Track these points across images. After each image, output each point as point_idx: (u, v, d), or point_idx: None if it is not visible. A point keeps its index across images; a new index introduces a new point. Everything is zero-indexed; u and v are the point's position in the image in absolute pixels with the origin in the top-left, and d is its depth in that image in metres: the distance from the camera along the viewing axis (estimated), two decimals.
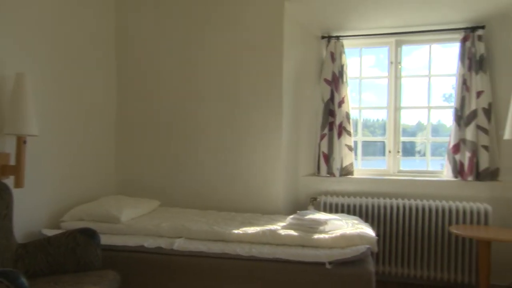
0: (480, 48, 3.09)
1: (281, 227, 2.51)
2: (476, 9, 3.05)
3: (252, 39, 3.20)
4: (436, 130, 3.63)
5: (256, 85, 3.21)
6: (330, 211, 3.19)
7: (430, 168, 3.47)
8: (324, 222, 2.43)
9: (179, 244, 2.33)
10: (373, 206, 3.16)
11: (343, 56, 3.38)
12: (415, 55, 3.54)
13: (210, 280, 2.21)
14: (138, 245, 2.35)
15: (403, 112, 3.51)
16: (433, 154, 3.56)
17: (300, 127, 3.53)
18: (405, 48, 3.49)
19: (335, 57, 3.37)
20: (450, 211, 3.02)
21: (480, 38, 3.10)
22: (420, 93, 3.51)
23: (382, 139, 3.61)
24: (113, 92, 3.45)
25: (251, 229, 2.46)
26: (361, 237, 2.28)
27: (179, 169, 3.37)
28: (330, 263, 2.13)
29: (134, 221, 2.65)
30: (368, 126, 3.83)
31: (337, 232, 2.34)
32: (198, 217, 2.82)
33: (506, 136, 2.79)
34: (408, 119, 3.65)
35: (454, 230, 2.77)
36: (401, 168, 3.49)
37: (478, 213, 2.97)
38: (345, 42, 3.43)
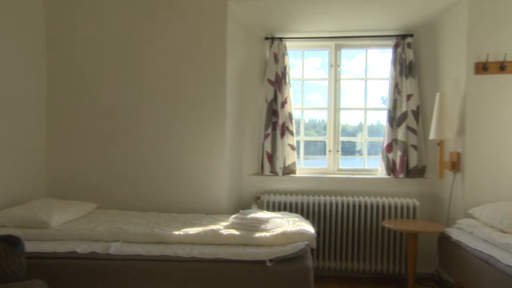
0: (409, 54, 3.33)
1: (223, 227, 2.50)
2: (405, 19, 3.28)
3: (196, 36, 3.15)
4: (377, 130, 3.84)
5: (200, 83, 3.17)
6: (273, 210, 3.25)
7: (367, 167, 3.67)
8: (266, 221, 2.46)
9: (115, 248, 2.23)
10: (313, 204, 3.27)
11: (286, 57, 3.46)
12: (359, 59, 3.72)
13: (149, 284, 2.15)
14: (70, 251, 2.20)
15: (346, 113, 3.67)
16: (372, 153, 3.77)
17: (244, 127, 3.55)
18: (349, 52, 3.66)
19: (278, 58, 3.43)
20: (383, 206, 3.22)
21: (409, 45, 3.34)
22: (359, 95, 3.69)
23: (322, 139, 3.75)
24: (42, 86, 3.19)
25: (192, 230, 2.42)
26: (301, 234, 2.35)
27: (118, 169, 3.22)
28: (270, 260, 2.17)
29: (66, 226, 2.49)
30: (315, 126, 3.95)
31: (278, 230, 2.39)
32: (138, 219, 2.72)
33: (431, 136, 3.04)
34: (351, 120, 3.84)
35: (386, 224, 2.96)
36: (341, 167, 3.65)
37: (408, 208, 3.20)
38: (288, 43, 3.51)
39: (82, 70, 3.24)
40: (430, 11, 3.14)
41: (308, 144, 3.83)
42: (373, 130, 3.82)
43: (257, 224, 2.43)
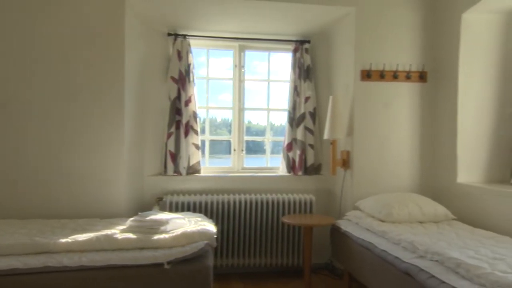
0: (307, 59, 3.57)
1: (119, 231, 2.35)
2: (304, 26, 3.50)
3: (92, 29, 2.90)
4: (282, 130, 3.98)
5: (96, 79, 2.92)
6: (176, 210, 3.18)
7: (271, 165, 3.82)
8: (166, 222, 2.39)
9: None
10: (217, 203, 3.28)
11: (190, 55, 3.41)
12: (273, 60, 3.85)
13: None
14: None
15: (257, 113, 3.76)
16: (277, 152, 3.91)
17: (146, 125, 3.40)
18: (259, 54, 3.75)
19: (181, 55, 3.36)
20: (283, 203, 3.39)
21: (307, 50, 3.57)
22: (263, 95, 3.82)
23: (227, 138, 3.79)
24: None
25: (83, 236, 2.23)
26: (201, 234, 2.33)
27: None
28: (168, 262, 2.11)
29: None
30: (227, 125, 3.94)
31: (178, 231, 2.34)
32: (17, 228, 2.40)
33: (325, 136, 3.30)
34: (261, 120, 3.94)
35: (285, 219, 3.11)
36: (245, 165, 3.74)
37: (305, 203, 3.42)
38: (193, 41, 3.47)
39: None
40: (324, 20, 3.40)
41: (214, 143, 3.84)
42: (280, 130, 3.97)
43: (156, 226, 2.34)
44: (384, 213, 2.72)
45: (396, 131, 3.24)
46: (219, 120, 3.86)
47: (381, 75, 3.20)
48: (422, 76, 3.25)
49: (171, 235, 2.28)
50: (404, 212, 2.72)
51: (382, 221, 2.72)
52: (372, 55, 3.19)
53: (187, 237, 2.28)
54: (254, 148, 3.97)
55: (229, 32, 3.55)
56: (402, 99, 3.24)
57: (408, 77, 3.23)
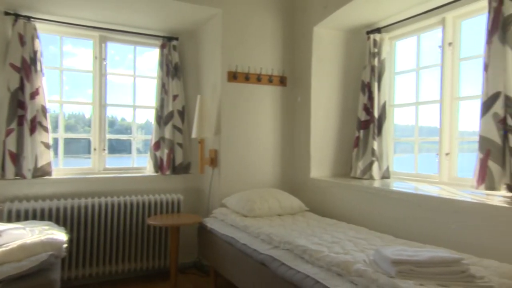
0: (175, 57, 3.50)
1: None
2: (171, 22, 3.42)
3: None
4: (150, 128, 3.79)
5: None
6: (18, 220, 2.73)
7: (137, 165, 3.62)
8: None
9: None
10: (73, 208, 2.95)
11: (37, 41, 2.96)
12: (143, 56, 3.61)
13: None
14: None
15: (120, 110, 3.50)
16: (144, 152, 3.71)
17: None
18: (122, 47, 3.50)
19: (25, 40, 2.90)
20: (149, 204, 3.25)
21: (175, 48, 3.51)
22: (130, 92, 3.59)
23: (86, 136, 3.44)
24: None
25: None
26: (45, 244, 2.05)
27: None
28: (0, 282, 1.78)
29: None
30: (86, 123, 3.55)
31: (15, 244, 2.00)
32: None
33: (193, 135, 3.29)
34: (126, 117, 3.68)
35: (151, 221, 2.99)
36: (108, 166, 3.45)
37: (173, 203, 3.35)
38: (41, 26, 3.03)
39: None
40: (192, 19, 3.38)
41: (70, 142, 3.44)
42: (149, 128, 3.77)
43: None
44: (247, 208, 2.85)
45: (260, 131, 3.44)
46: (87, 116, 3.47)
47: (246, 77, 3.35)
48: (282, 81, 3.53)
49: (3, 249, 1.93)
50: (265, 206, 2.90)
51: (245, 216, 2.85)
52: (238, 58, 3.32)
53: (26, 250, 1.97)
54: (118, 148, 3.70)
55: (88, 20, 3.23)
56: (266, 101, 3.46)
57: (270, 80, 3.46)
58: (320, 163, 3.37)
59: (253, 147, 3.42)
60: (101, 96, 3.39)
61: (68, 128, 3.44)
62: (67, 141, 3.39)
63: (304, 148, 3.40)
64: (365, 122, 3.10)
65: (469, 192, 2.29)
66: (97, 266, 3.05)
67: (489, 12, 2.15)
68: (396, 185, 2.73)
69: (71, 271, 2.95)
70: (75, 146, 3.50)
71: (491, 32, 2.13)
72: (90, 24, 3.24)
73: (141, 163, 3.64)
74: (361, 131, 3.12)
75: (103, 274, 3.08)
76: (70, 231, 2.89)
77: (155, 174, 3.49)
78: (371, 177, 3.02)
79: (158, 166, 3.49)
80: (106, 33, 3.35)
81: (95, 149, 3.39)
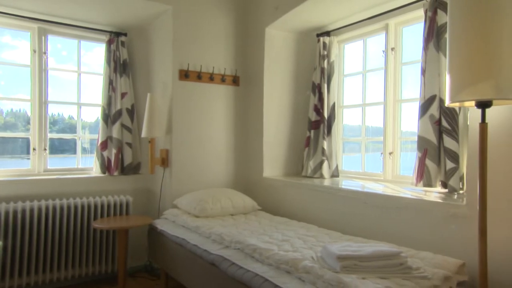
0: (124, 53, 3.36)
1: None
2: (118, 17, 3.28)
3: None
4: (96, 127, 3.62)
5: None
6: None
7: (82, 165, 3.44)
8: None
9: None
10: (7, 213, 2.73)
11: None
12: (96, 51, 3.40)
13: None
14: None
15: (65, 108, 3.29)
16: (91, 152, 3.52)
17: None
18: (67, 41, 3.28)
19: None
20: (95, 206, 3.10)
21: (123, 44, 3.37)
22: (74, 88, 3.39)
23: (25, 136, 3.21)
24: None
25: None
26: None
27: None
28: None
29: None
30: (25, 120, 3.30)
31: None
32: None
33: (143, 134, 3.18)
34: (72, 114, 3.46)
35: (96, 224, 2.85)
36: (49, 167, 3.24)
37: (121, 205, 3.22)
38: None
39: None
40: (141, 14, 3.27)
41: (5, 141, 3.18)
42: (95, 127, 3.60)
43: None
44: (199, 208, 2.81)
45: (213, 130, 3.41)
46: (20, 114, 3.22)
47: (198, 76, 3.31)
48: (235, 80, 3.52)
49: None
50: (217, 206, 2.88)
51: (197, 216, 2.81)
52: (190, 56, 3.26)
53: None
54: (62, 148, 3.49)
55: (26, 11, 3.00)
56: (219, 100, 3.43)
57: (223, 80, 3.44)
58: (272, 163, 3.41)
59: (206, 146, 3.38)
60: (41, 93, 3.17)
61: (7, 126, 3.18)
62: (4, 141, 3.14)
63: (257, 148, 3.42)
64: (315, 123, 3.19)
65: (409, 189, 2.44)
66: (38, 274, 2.84)
67: (425, 21, 2.30)
68: (345, 184, 2.84)
69: (12, 280, 2.73)
70: (12, 146, 3.25)
71: (427, 40, 2.28)
72: (28, 15, 3.02)
73: (87, 164, 3.46)
74: (312, 131, 3.20)
75: (46, 282, 2.88)
76: (4, 238, 2.67)
77: (102, 175, 3.34)
78: (322, 176, 3.11)
79: (106, 166, 3.34)
80: (45, 25, 3.14)
81: (34, 149, 3.17)
